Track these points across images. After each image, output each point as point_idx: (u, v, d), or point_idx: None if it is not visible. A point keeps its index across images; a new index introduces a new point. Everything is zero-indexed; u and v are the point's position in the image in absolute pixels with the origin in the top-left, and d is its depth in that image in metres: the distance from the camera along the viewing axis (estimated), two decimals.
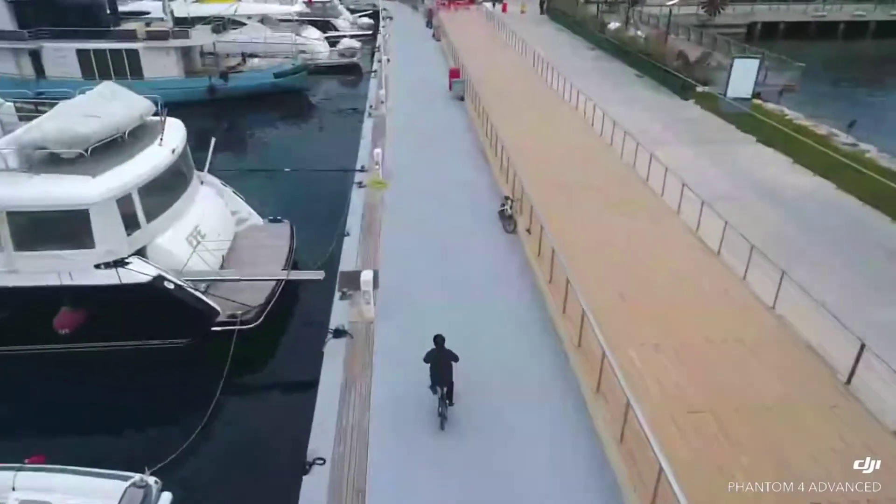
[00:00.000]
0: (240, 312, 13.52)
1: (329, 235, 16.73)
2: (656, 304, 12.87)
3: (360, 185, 19.48)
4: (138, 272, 12.92)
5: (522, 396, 10.70)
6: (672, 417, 9.83)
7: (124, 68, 32.63)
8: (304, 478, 9.18)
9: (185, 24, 36.22)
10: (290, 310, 15.32)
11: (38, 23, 32.66)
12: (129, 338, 13.50)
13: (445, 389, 9.90)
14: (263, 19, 43.03)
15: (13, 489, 9.08)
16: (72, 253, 12.71)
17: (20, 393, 13.11)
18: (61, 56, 32.59)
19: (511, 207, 16.74)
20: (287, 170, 21.74)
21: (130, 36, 33.51)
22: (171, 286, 13.11)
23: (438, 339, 9.98)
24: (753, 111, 25.58)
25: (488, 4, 62.04)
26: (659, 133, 24.19)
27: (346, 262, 14.92)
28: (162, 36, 33.69)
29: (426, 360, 9.91)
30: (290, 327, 15.07)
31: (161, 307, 13.10)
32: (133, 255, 13.26)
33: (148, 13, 41.36)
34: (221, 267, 15.18)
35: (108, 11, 35.36)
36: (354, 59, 44.93)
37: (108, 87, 15.81)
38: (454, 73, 31.49)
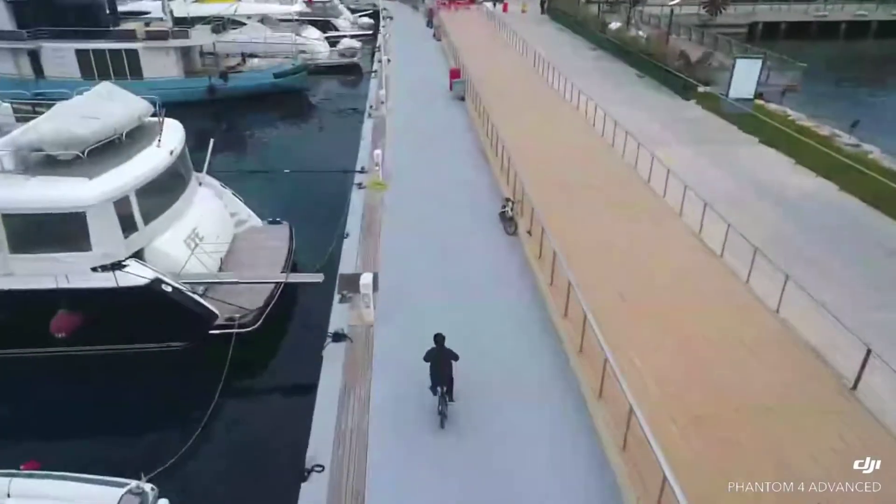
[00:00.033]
0: (238, 315, 13.39)
1: (329, 237, 16.62)
2: (657, 305, 12.83)
3: (359, 186, 19.36)
4: (135, 275, 12.81)
5: (522, 396, 10.68)
6: (672, 417, 9.81)
7: (124, 68, 32.53)
8: (303, 485, 9.05)
9: (184, 23, 36.14)
10: (290, 312, 15.21)
11: (37, 23, 32.54)
12: (126, 341, 13.40)
13: (445, 388, 9.87)
14: (263, 19, 42.93)
15: (8, 496, 9.00)
16: (68, 256, 12.60)
17: (15, 397, 12.99)
18: (60, 56, 32.48)
19: (512, 209, 16.62)
20: (287, 171, 21.61)
21: (130, 36, 33.40)
22: (169, 289, 12.99)
23: (438, 338, 9.99)
24: (755, 112, 25.46)
25: (489, 4, 61.89)
26: (660, 133, 24.06)
27: (346, 264, 14.80)
28: (161, 36, 33.58)
29: (426, 358, 9.92)
30: (290, 330, 14.97)
31: (158, 310, 12.98)
32: (130, 257, 13.15)
33: (147, 13, 41.24)
34: (220, 269, 15.06)
35: (108, 11, 35.25)
36: (355, 59, 44.81)
37: (105, 88, 15.68)
38: (455, 74, 31.36)
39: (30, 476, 9.29)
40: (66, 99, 14.98)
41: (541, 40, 41.06)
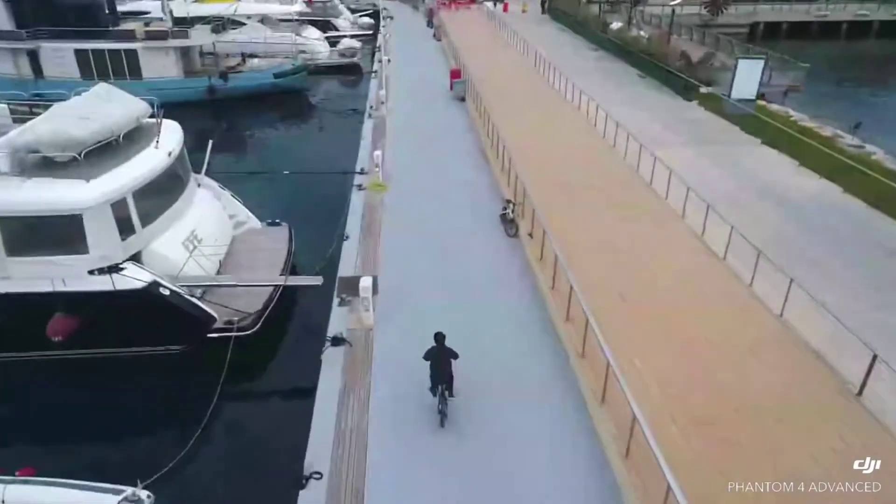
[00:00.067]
0: (237, 319, 13.28)
1: (328, 238, 16.50)
2: (658, 306, 12.83)
3: (359, 187, 19.24)
4: (133, 278, 12.67)
5: (523, 397, 10.67)
6: (672, 418, 9.82)
7: (123, 68, 32.42)
8: (301, 492, 8.93)
9: (184, 23, 36.06)
10: (288, 315, 15.09)
11: (37, 22, 32.40)
12: (123, 345, 13.28)
13: (445, 386, 9.88)
14: (263, 19, 42.83)
15: (2, 502, 8.88)
16: (65, 258, 12.47)
17: (11, 402, 12.88)
18: (59, 56, 32.36)
19: (513, 211, 16.50)
20: (286, 172, 21.48)
21: (129, 36, 33.27)
22: (167, 292, 12.87)
23: (439, 337, 10.02)
24: (758, 112, 25.30)
25: (489, 4, 61.74)
26: (662, 134, 23.93)
27: (346, 266, 14.68)
28: (161, 36, 33.45)
29: (426, 357, 9.94)
30: (288, 333, 14.85)
31: (156, 313, 12.85)
32: (128, 260, 13.02)
33: (147, 13, 41.17)
34: (218, 272, 14.94)
35: (107, 11, 35.17)
36: (355, 59, 44.68)
37: (103, 89, 15.54)
38: (455, 74, 31.23)
39: (25, 482, 9.20)
40: (64, 100, 14.87)
41: (541, 40, 40.93)
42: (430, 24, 52.89)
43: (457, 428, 9.97)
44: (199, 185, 16.65)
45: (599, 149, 22.59)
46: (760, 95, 27.14)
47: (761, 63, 27.48)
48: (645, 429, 8.23)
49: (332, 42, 47.28)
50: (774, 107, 26.39)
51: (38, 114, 14.65)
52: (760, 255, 13.12)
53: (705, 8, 46.20)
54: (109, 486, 9.05)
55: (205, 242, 14.82)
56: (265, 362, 14.06)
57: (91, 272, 12.56)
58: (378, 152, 20.05)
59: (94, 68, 32.06)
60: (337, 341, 11.94)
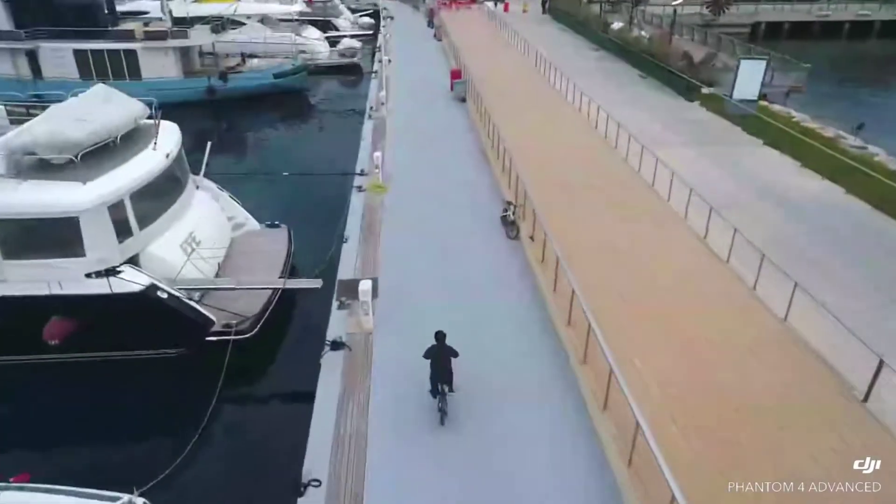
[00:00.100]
0: (235, 322, 13.17)
1: (328, 240, 16.37)
2: (658, 306, 12.82)
3: (359, 189, 19.10)
4: (130, 281, 12.55)
5: (523, 396, 10.65)
6: (672, 418, 9.79)
7: (122, 69, 32.35)
8: (300, 500, 8.81)
9: (183, 23, 35.99)
10: (288, 318, 14.97)
11: (35, 22, 32.29)
12: (120, 348, 13.16)
13: (445, 385, 9.88)
14: (263, 19, 42.72)
15: None
16: (61, 261, 12.36)
17: (6, 406, 12.77)
18: (58, 56, 32.25)
19: (514, 213, 16.38)
20: (285, 173, 21.36)
21: (128, 36, 33.18)
22: (165, 295, 12.75)
23: (440, 335, 10.03)
24: (760, 113, 25.19)
25: (490, 4, 61.64)
26: (664, 135, 23.81)
27: (345, 269, 14.54)
28: (160, 36, 33.34)
29: (426, 355, 9.95)
30: (287, 337, 14.71)
31: (154, 317, 12.73)
32: (125, 263, 12.89)
33: (146, 13, 41.10)
34: (217, 274, 14.83)
35: (106, 11, 35.10)
36: (355, 59, 44.57)
37: (101, 90, 15.44)
38: (455, 75, 31.09)
39: (20, 489, 9.08)
40: (61, 101, 14.75)
41: (542, 40, 40.81)
42: (430, 23, 52.77)
43: (457, 428, 9.96)
44: (197, 187, 16.53)
45: (600, 149, 22.49)
46: (762, 96, 27.01)
47: (763, 64, 27.32)
48: (645, 429, 8.22)
49: (333, 42, 47.17)
50: (776, 107, 26.27)
51: (36, 115, 14.55)
52: (762, 257, 13.06)
53: (707, 8, 45.99)
54: (106, 494, 8.93)
55: (203, 245, 14.70)
56: (264, 366, 13.95)
57: (88, 275, 12.46)
58: (378, 153, 19.94)
59: (94, 68, 31.97)
60: (336, 345, 11.81)
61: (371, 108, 28.08)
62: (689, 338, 11.84)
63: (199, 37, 34.78)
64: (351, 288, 12.55)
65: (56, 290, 12.31)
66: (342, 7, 57.52)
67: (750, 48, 35.37)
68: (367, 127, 25.67)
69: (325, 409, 10.47)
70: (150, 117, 15.05)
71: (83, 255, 12.42)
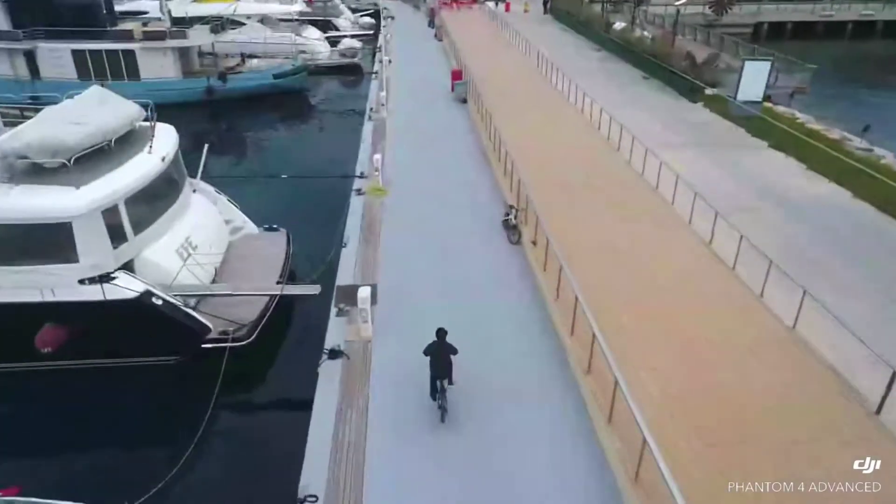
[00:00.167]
0: (232, 329, 12.93)
1: (327, 244, 16.10)
2: (659, 306, 12.79)
3: (359, 192, 18.84)
4: (125, 288, 12.33)
5: (523, 397, 10.61)
6: (672, 418, 9.76)
7: (121, 69, 32.17)
8: None
9: (182, 23, 35.86)
10: (286, 324, 14.74)
11: (34, 23, 32.13)
12: (114, 356, 12.95)
13: (445, 380, 9.88)
14: (263, 19, 42.53)
15: None
16: (54, 268, 12.14)
17: None
18: (57, 57, 32.05)
19: (515, 217, 16.12)
20: (284, 176, 21.11)
21: (127, 36, 33.00)
22: (160, 302, 12.53)
23: (440, 332, 10.02)
24: (764, 114, 24.90)
25: (491, 4, 61.44)
26: (665, 136, 23.55)
27: (344, 274, 14.28)
28: (159, 36, 33.15)
29: (426, 352, 9.96)
30: (285, 343, 14.47)
31: (149, 324, 12.52)
32: (119, 269, 12.67)
33: (145, 13, 40.92)
34: (214, 280, 14.59)
35: (105, 11, 34.92)
36: (355, 60, 44.36)
37: (96, 92, 15.21)
38: (456, 75, 30.83)
39: (10, 503, 8.85)
40: (56, 103, 14.51)
41: (544, 40, 40.61)
42: (431, 24, 52.54)
43: (457, 428, 9.92)
44: (194, 190, 16.30)
45: (601, 150, 22.32)
46: (766, 97, 26.74)
47: (768, 64, 27.04)
48: (644, 429, 8.15)
49: (333, 42, 46.94)
50: (780, 109, 26.02)
51: (30, 117, 14.33)
52: (765, 259, 12.96)
53: (710, 7, 45.68)
54: None
55: (200, 250, 14.46)
56: (261, 374, 13.73)
57: (81, 282, 12.26)
58: (378, 156, 19.70)
59: (92, 69, 31.77)
60: (334, 354, 11.54)
61: (371, 108, 27.81)
62: (689, 337, 11.84)
63: (199, 37, 34.59)
64: (349, 294, 12.30)
65: (49, 297, 12.09)
66: (342, 7, 57.28)
67: (754, 49, 35.14)
68: (367, 128, 25.41)
69: (323, 417, 10.26)
70: (146, 120, 14.81)
71: (76, 261, 12.20)
